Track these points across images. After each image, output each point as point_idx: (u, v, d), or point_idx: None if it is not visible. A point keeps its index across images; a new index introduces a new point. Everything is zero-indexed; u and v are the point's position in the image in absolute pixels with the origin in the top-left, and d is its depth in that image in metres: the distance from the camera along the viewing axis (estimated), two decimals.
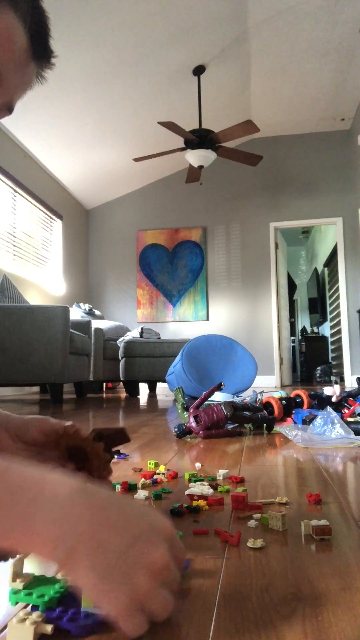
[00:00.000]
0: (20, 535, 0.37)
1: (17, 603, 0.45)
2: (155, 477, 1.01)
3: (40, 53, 0.56)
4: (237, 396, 3.00)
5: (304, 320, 11.48)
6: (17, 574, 0.46)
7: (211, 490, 0.85)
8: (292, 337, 10.06)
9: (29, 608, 0.44)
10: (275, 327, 6.64)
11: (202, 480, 0.97)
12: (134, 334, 5.02)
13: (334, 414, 1.51)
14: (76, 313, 5.64)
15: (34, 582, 0.46)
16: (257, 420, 1.74)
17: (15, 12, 0.51)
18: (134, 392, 4.80)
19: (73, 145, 5.60)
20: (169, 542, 0.41)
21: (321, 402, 1.97)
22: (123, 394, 5.32)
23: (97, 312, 5.98)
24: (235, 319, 6.75)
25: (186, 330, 6.83)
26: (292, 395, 2.07)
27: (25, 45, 0.53)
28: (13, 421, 0.64)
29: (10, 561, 0.48)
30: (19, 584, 0.45)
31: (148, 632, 0.41)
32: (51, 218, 6.05)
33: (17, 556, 0.48)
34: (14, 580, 0.45)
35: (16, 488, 0.38)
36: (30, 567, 0.57)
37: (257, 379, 6.49)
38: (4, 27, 0.50)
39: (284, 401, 1.99)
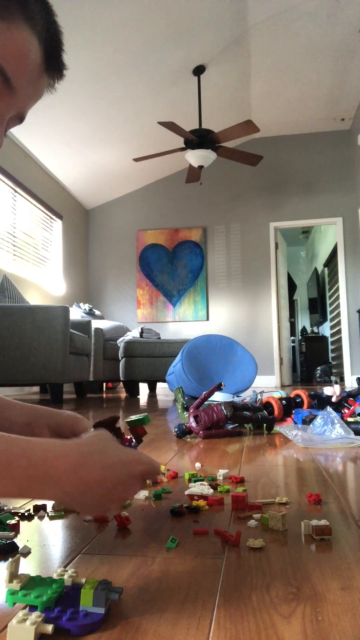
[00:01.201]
0: (35, 492, 0.48)
1: (14, 604, 0.45)
2: None
3: (53, 67, 0.58)
4: (237, 396, 3.00)
5: (304, 320, 11.48)
6: (13, 575, 0.46)
7: (211, 490, 0.85)
8: (292, 337, 10.06)
9: (27, 609, 0.44)
10: (275, 327, 6.64)
11: (202, 480, 0.97)
12: (134, 334, 5.02)
13: (334, 414, 1.51)
14: (76, 313, 5.64)
15: (30, 583, 0.46)
16: (257, 420, 1.74)
17: (31, 27, 0.53)
18: (134, 392, 4.80)
19: (73, 145, 5.60)
20: (141, 479, 0.55)
21: (321, 402, 1.97)
22: (123, 394, 5.32)
23: (97, 312, 5.98)
24: (235, 319, 6.75)
25: (186, 330, 6.83)
26: (292, 395, 2.07)
27: (39, 59, 0.55)
28: (54, 418, 0.72)
29: (6, 562, 0.48)
30: (16, 585, 0.45)
31: (149, 633, 0.41)
32: (51, 218, 6.05)
33: (13, 557, 0.48)
34: (10, 581, 0.45)
35: (31, 457, 0.48)
36: (26, 568, 0.57)
37: (257, 379, 6.49)
38: (20, 42, 0.52)
39: (284, 401, 1.99)
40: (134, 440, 0.75)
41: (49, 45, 0.56)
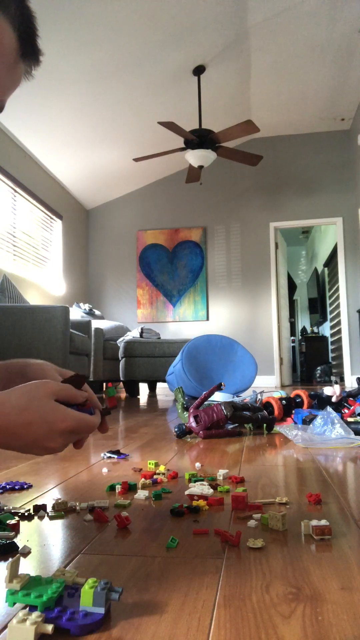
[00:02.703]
0: None
1: (14, 604, 0.45)
2: (155, 477, 1.01)
3: (29, 52, 0.58)
4: (237, 396, 2.99)
5: (304, 320, 11.48)
6: (13, 575, 0.46)
7: (211, 490, 0.85)
8: (292, 337, 10.06)
9: (27, 609, 0.44)
10: (275, 327, 6.64)
11: (202, 480, 0.97)
12: (134, 334, 5.02)
13: (334, 414, 1.51)
14: (76, 313, 5.64)
15: (30, 583, 0.46)
16: (257, 420, 1.74)
17: (3, 14, 0.53)
18: (134, 392, 4.80)
19: (73, 145, 5.60)
20: (65, 434, 0.58)
21: (321, 402, 1.97)
22: (123, 394, 5.32)
23: (97, 312, 5.98)
24: (235, 319, 6.75)
25: (186, 330, 6.83)
26: (292, 395, 2.07)
27: (14, 46, 0.55)
28: (26, 368, 0.72)
29: (6, 562, 0.48)
30: (16, 585, 0.45)
31: (149, 633, 0.41)
32: (51, 218, 6.05)
33: (13, 557, 0.48)
34: (10, 581, 0.45)
35: None
36: (26, 568, 0.57)
37: (257, 379, 6.48)
38: None
39: (284, 401, 1.99)
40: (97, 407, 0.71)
41: (23, 31, 0.55)
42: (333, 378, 7.66)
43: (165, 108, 5.41)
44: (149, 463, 1.14)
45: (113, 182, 6.73)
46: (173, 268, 6.94)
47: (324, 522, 0.65)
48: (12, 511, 0.78)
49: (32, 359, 0.73)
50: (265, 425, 1.76)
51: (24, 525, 0.73)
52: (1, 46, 0.53)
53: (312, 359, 8.83)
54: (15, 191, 5.11)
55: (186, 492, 0.85)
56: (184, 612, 0.45)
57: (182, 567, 0.56)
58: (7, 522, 0.70)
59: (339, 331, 7.01)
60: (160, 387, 6.51)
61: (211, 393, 1.81)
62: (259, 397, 2.04)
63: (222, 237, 6.88)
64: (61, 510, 0.79)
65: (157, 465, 1.13)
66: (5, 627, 0.43)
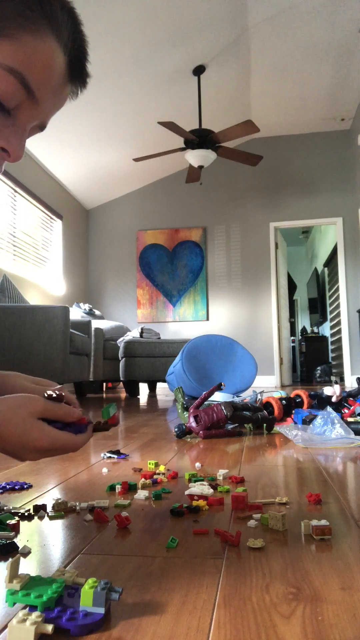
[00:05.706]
0: None
1: (14, 604, 0.45)
2: (155, 477, 1.01)
3: (77, 77, 0.57)
4: (237, 396, 2.99)
5: (304, 320, 11.48)
6: (13, 574, 0.46)
7: (211, 490, 0.85)
8: (292, 337, 10.06)
9: (27, 609, 0.44)
10: (275, 327, 6.64)
11: (202, 480, 0.97)
12: (134, 334, 5.02)
13: (334, 414, 1.51)
14: (76, 313, 5.64)
15: (30, 583, 0.46)
16: (257, 420, 1.74)
17: (57, 38, 0.52)
18: (134, 392, 4.80)
19: (73, 145, 5.60)
20: (39, 452, 0.62)
21: (321, 402, 1.97)
22: (123, 394, 5.32)
23: (97, 312, 5.98)
24: (235, 319, 6.75)
25: (186, 330, 6.83)
26: (292, 395, 2.07)
27: (63, 70, 0.54)
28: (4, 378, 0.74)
29: (6, 562, 0.48)
30: (15, 585, 0.45)
31: (149, 633, 0.41)
32: (51, 218, 6.05)
33: (13, 557, 0.48)
34: (10, 581, 0.45)
35: None
36: (26, 568, 0.57)
37: (257, 379, 6.49)
38: (46, 54, 0.51)
39: (284, 401, 1.99)
40: (91, 421, 0.71)
41: (73, 55, 0.55)
42: (333, 378, 7.66)
43: (165, 108, 5.41)
44: (149, 463, 1.14)
45: (113, 182, 6.73)
46: (173, 268, 6.94)
47: (324, 522, 0.65)
48: (12, 511, 0.78)
49: (10, 372, 0.74)
50: (265, 425, 1.76)
51: (24, 525, 0.73)
52: (51, 71, 0.52)
53: (312, 359, 8.83)
54: (15, 191, 5.11)
55: (186, 492, 0.85)
56: (184, 612, 0.45)
57: (182, 567, 0.56)
58: (7, 522, 0.70)
59: (339, 331, 7.02)
60: (160, 387, 6.51)
61: (211, 393, 1.81)
62: (259, 397, 2.04)
63: (222, 237, 6.88)
64: (61, 510, 0.79)
65: (157, 465, 1.13)
66: (5, 627, 0.43)
